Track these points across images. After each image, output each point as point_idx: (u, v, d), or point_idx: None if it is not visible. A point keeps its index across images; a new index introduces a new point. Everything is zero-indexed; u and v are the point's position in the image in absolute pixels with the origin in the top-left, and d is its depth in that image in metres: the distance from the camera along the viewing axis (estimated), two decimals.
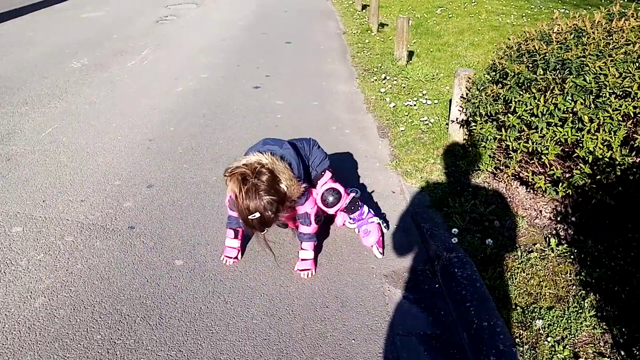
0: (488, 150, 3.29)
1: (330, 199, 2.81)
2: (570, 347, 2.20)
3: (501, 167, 3.33)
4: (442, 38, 8.67)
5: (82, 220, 3.29)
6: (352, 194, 2.93)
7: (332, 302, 2.62)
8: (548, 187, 3.03)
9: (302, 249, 2.83)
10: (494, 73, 3.26)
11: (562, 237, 3.00)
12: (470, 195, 3.41)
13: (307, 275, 2.79)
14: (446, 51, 7.70)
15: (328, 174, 2.89)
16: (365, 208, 3.02)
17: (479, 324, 2.30)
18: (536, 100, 2.86)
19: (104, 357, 2.26)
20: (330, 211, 2.85)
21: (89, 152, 4.24)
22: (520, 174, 3.39)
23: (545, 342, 2.22)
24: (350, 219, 3.03)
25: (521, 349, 2.20)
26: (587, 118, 2.72)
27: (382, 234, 3.07)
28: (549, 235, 3.01)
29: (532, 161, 3.11)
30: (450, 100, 4.39)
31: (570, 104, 2.77)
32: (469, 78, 3.90)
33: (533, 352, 2.18)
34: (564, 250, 2.82)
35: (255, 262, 2.92)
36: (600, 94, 2.71)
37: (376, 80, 6.04)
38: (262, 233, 2.63)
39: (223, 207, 3.33)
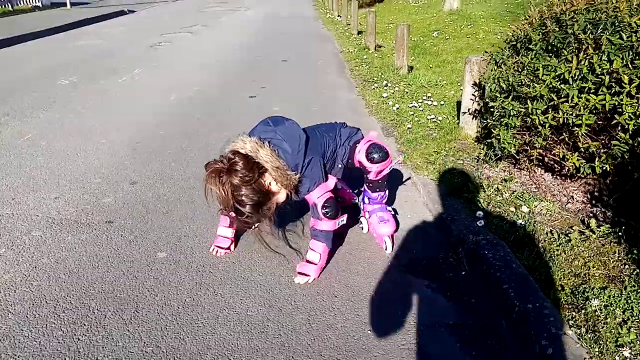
0: (510, 130, 2.94)
1: (376, 155, 2.39)
2: (635, 329, 1.79)
3: (526, 148, 2.97)
4: (440, 56, 8.49)
5: (54, 216, 2.90)
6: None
7: (342, 292, 2.22)
8: (582, 164, 2.67)
9: (310, 248, 2.35)
10: (515, 42, 2.96)
11: (601, 220, 2.63)
12: (491, 184, 3.04)
13: (303, 282, 2.29)
14: (446, 67, 7.47)
15: (372, 134, 2.51)
16: (387, 192, 2.64)
17: (522, 306, 1.90)
18: (567, 64, 2.54)
19: (63, 355, 1.84)
20: (373, 169, 2.43)
21: (69, 154, 3.88)
22: (545, 159, 3.05)
23: (605, 325, 1.82)
24: (368, 199, 2.63)
25: (578, 331, 1.79)
26: (627, 78, 2.39)
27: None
28: (586, 218, 2.63)
29: (562, 137, 2.77)
30: (459, 103, 4.09)
31: (606, 64, 2.45)
32: (485, 58, 3.58)
33: (593, 335, 1.77)
34: (606, 231, 2.44)
35: (250, 252, 2.52)
36: None
37: (377, 87, 5.76)
38: (254, 228, 2.28)
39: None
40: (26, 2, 16.56)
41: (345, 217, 2.39)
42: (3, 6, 15.45)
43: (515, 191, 2.93)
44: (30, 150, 3.99)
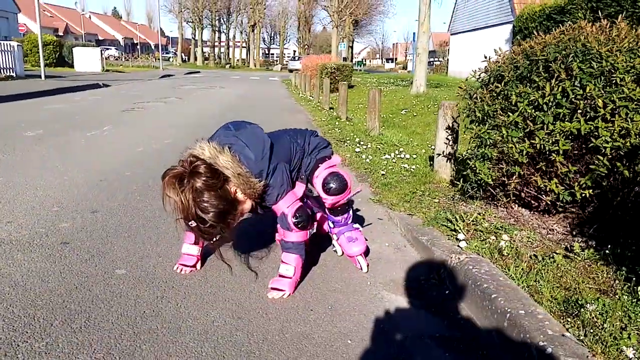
0: (486, 162, 2.93)
1: (333, 185, 2.25)
2: (636, 335, 1.67)
3: (503, 180, 2.94)
4: (409, 129, 8.74)
5: (4, 237, 2.66)
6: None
7: (318, 306, 2.04)
8: (561, 191, 2.65)
9: (282, 261, 2.17)
10: (485, 75, 3.02)
11: (584, 248, 2.56)
12: (469, 216, 2.97)
13: (277, 296, 2.10)
14: (415, 138, 7.65)
15: (336, 159, 2.38)
16: (351, 212, 2.55)
17: (514, 312, 1.76)
18: (541, 91, 2.59)
19: None
20: (328, 200, 2.30)
21: (28, 187, 3.66)
22: (522, 194, 3.02)
23: (603, 330, 1.69)
24: (333, 223, 2.51)
25: (577, 332, 1.65)
26: (602, 102, 2.43)
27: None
28: (569, 245, 2.56)
29: (538, 166, 2.76)
30: (432, 157, 4.12)
31: (579, 90, 2.50)
32: (460, 95, 3.64)
33: (592, 337, 1.63)
34: (591, 255, 2.36)
35: (219, 270, 2.33)
36: (612, 78, 2.46)
37: (349, 144, 5.80)
38: (212, 243, 2.05)
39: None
40: (0, 72, 16.58)
41: (315, 225, 2.26)
42: None
43: (494, 223, 2.86)
44: None
